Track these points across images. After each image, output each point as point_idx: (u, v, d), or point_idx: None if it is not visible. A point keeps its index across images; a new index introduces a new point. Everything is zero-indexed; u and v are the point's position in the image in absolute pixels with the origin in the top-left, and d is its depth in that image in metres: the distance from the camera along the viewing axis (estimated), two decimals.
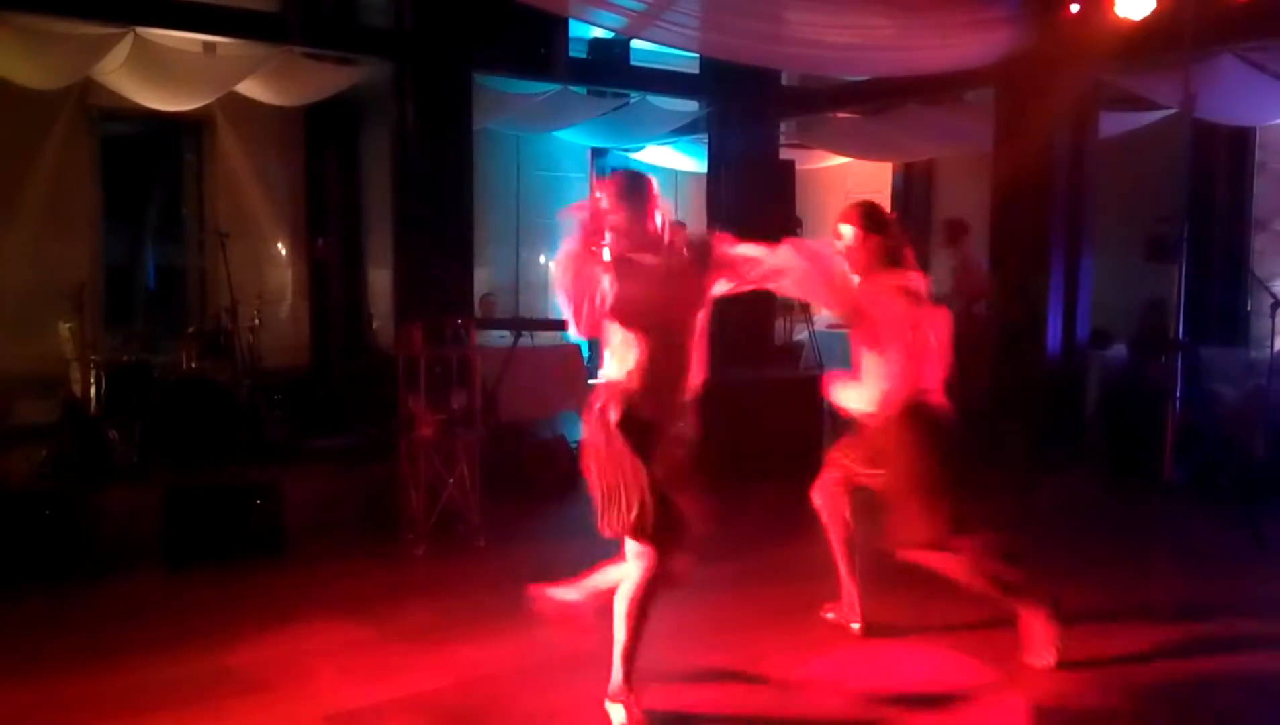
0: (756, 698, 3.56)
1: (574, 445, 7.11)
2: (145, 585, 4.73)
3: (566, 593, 3.61)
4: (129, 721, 3.30)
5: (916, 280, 3.63)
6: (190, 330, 7.83)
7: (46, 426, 6.97)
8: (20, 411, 7.66)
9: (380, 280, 9.39)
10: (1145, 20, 6.03)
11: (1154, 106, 7.64)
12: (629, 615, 3.20)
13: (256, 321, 7.81)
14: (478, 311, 8.74)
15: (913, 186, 11.25)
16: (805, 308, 9.22)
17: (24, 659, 3.80)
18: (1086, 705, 3.47)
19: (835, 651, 3.91)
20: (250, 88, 8.12)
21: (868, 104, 9.56)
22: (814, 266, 3.47)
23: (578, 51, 9.25)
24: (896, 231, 3.70)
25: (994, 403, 7.56)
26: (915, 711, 3.43)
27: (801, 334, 9.51)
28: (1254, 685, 3.77)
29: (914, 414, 3.51)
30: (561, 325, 8.19)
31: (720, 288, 3.34)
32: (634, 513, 3.12)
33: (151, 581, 4.78)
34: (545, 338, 7.87)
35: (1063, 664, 3.70)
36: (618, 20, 6.89)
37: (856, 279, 3.64)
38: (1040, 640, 3.59)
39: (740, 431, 6.84)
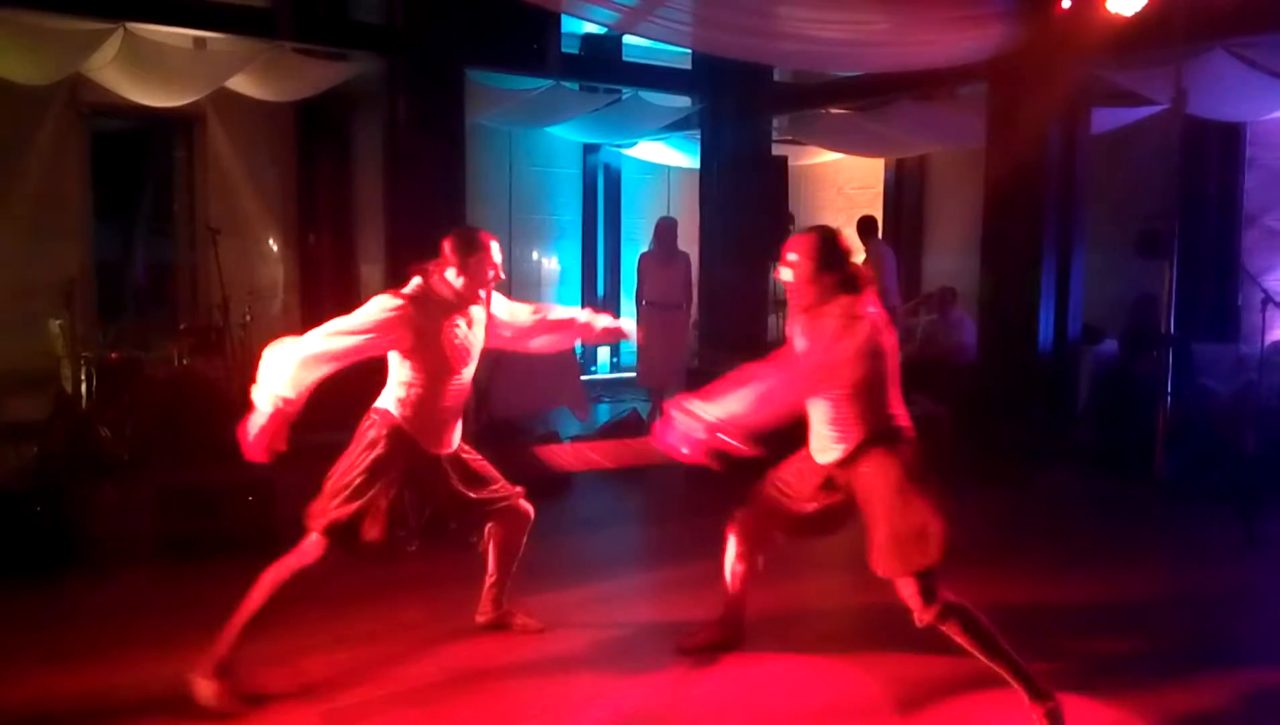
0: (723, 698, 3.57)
1: (567, 441, 7.15)
2: (137, 582, 4.72)
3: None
4: (122, 719, 3.30)
5: (872, 306, 3.34)
6: (181, 327, 7.80)
7: (37, 423, 6.95)
8: (11, 408, 7.62)
9: (372, 276, 9.36)
10: (1137, 16, 6.03)
11: (1146, 102, 7.65)
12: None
13: (248, 318, 7.78)
14: None
15: (905, 182, 11.26)
16: None
17: (14, 657, 3.79)
18: (1073, 701, 3.48)
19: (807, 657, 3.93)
20: (241, 83, 8.09)
21: (860, 99, 9.57)
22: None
23: (570, 47, 9.24)
24: (852, 261, 3.41)
25: (986, 398, 7.58)
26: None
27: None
28: (1243, 681, 3.79)
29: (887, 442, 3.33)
30: None
31: None
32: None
33: (143, 578, 4.77)
34: None
35: (1050, 659, 3.72)
36: (610, 16, 6.88)
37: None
38: None
39: None
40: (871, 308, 3.32)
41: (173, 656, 3.73)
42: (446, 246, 3.54)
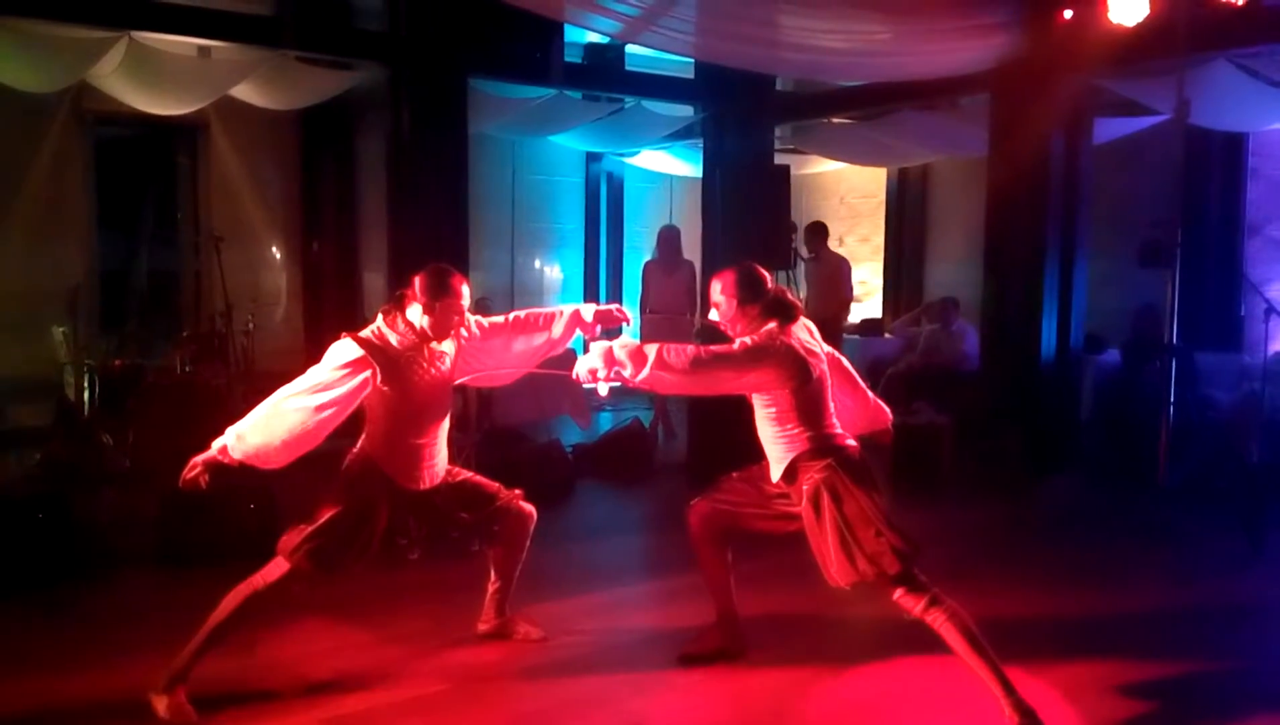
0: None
1: (569, 449, 7.15)
2: (139, 588, 4.72)
3: None
4: (123, 724, 3.29)
5: (803, 330, 3.50)
6: (184, 334, 7.81)
7: (40, 430, 6.96)
8: (14, 415, 7.64)
9: (375, 284, 9.37)
10: (1139, 26, 6.05)
11: (1148, 112, 7.67)
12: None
13: (251, 325, 7.79)
14: None
15: (908, 191, 11.27)
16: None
17: (18, 663, 3.79)
18: (1078, 710, 3.47)
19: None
20: (245, 92, 8.11)
21: (863, 109, 9.58)
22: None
23: (573, 56, 9.25)
24: (775, 288, 3.57)
25: (988, 407, 7.57)
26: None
27: None
28: (1246, 693, 3.78)
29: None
30: None
31: None
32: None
33: (145, 585, 4.77)
34: None
35: (1051, 669, 3.71)
36: (613, 25, 6.89)
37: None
38: None
39: (728, 429, 6.83)
40: (803, 335, 3.47)
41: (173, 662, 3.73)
42: (417, 284, 3.49)
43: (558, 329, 3.80)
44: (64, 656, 3.86)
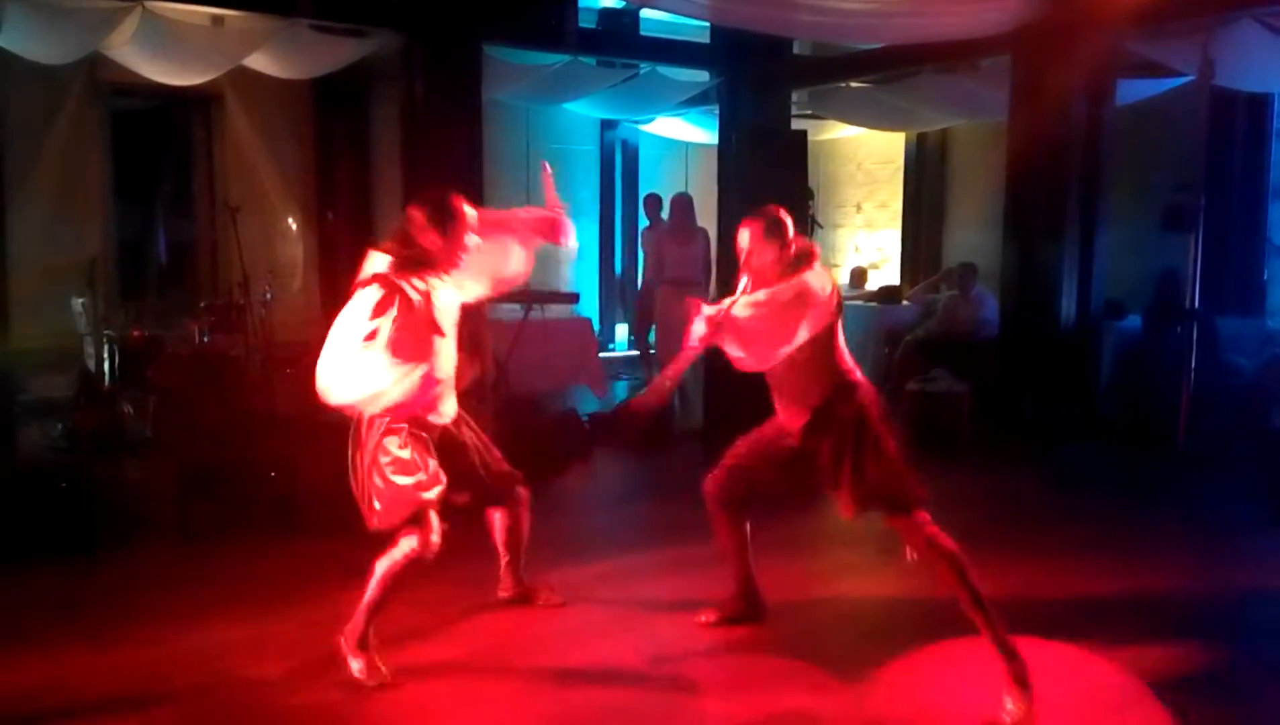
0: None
1: (585, 418, 7.16)
2: (160, 558, 4.76)
3: None
4: (145, 693, 3.33)
5: (820, 277, 3.50)
6: (202, 305, 7.84)
7: (62, 400, 7.02)
8: (35, 386, 7.71)
9: None
10: None
11: (1172, 74, 7.54)
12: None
13: (268, 296, 7.79)
14: None
15: (926, 156, 11.15)
16: None
17: (41, 632, 3.83)
18: (1090, 676, 3.47)
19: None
20: (259, 61, 8.08)
21: (881, 73, 9.46)
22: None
23: (587, 22, 9.17)
24: (798, 236, 3.60)
25: (1007, 374, 7.53)
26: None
27: None
28: (1268, 657, 3.77)
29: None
30: (572, 298, 8.13)
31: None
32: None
33: (166, 554, 4.80)
34: (556, 311, 7.86)
35: (1071, 634, 3.71)
36: None
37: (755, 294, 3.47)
38: None
39: (743, 395, 6.82)
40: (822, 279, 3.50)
41: (194, 631, 3.78)
42: (420, 216, 3.45)
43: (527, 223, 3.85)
44: (86, 625, 3.90)
